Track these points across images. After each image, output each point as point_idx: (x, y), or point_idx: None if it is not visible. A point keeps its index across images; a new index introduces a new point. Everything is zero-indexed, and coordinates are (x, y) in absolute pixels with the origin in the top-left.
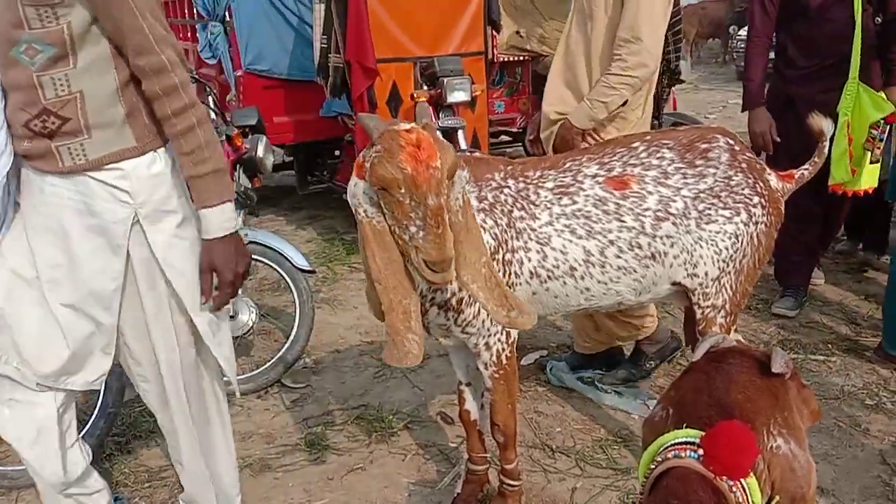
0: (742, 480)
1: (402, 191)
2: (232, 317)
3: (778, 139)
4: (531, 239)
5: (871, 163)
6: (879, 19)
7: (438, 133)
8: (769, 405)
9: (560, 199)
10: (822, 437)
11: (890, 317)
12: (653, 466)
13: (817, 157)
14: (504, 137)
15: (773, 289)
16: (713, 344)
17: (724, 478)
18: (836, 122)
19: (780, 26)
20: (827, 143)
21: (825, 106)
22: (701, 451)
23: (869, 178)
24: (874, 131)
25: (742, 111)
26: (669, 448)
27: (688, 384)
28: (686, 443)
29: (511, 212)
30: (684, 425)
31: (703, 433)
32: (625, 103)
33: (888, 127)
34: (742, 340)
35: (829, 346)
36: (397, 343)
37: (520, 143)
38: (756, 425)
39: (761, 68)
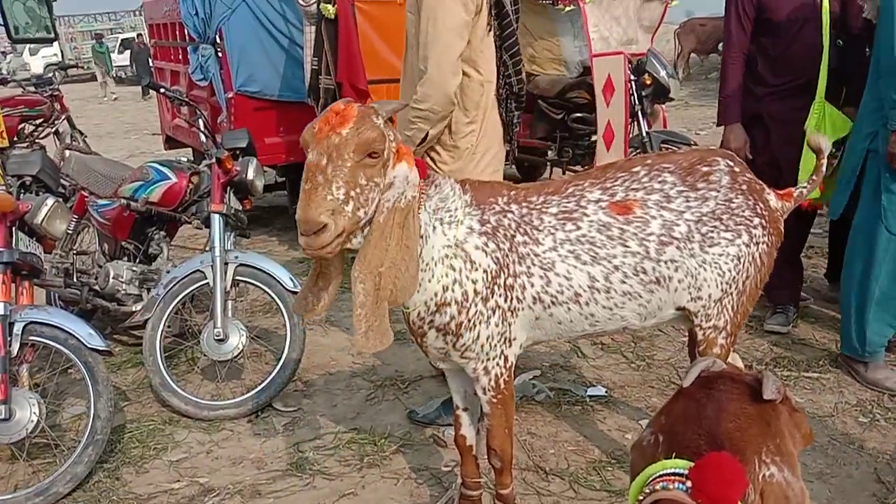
0: None
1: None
2: (222, 340)
3: (750, 156)
4: (534, 264)
5: (828, 177)
6: (841, 42)
7: (379, 120)
8: (761, 433)
9: (564, 224)
10: (816, 456)
11: (843, 320)
12: (641, 498)
13: (815, 176)
14: None
15: (765, 306)
16: (704, 368)
17: None
18: (803, 139)
19: (751, 44)
20: (825, 161)
21: (794, 124)
22: (689, 483)
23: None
24: (834, 149)
25: (717, 126)
26: (658, 479)
27: (678, 411)
28: (675, 474)
29: (514, 237)
30: (673, 455)
31: (692, 464)
32: (426, 136)
33: (843, 146)
34: (739, 361)
35: (822, 362)
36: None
37: (512, 162)
38: (747, 455)
39: (738, 84)
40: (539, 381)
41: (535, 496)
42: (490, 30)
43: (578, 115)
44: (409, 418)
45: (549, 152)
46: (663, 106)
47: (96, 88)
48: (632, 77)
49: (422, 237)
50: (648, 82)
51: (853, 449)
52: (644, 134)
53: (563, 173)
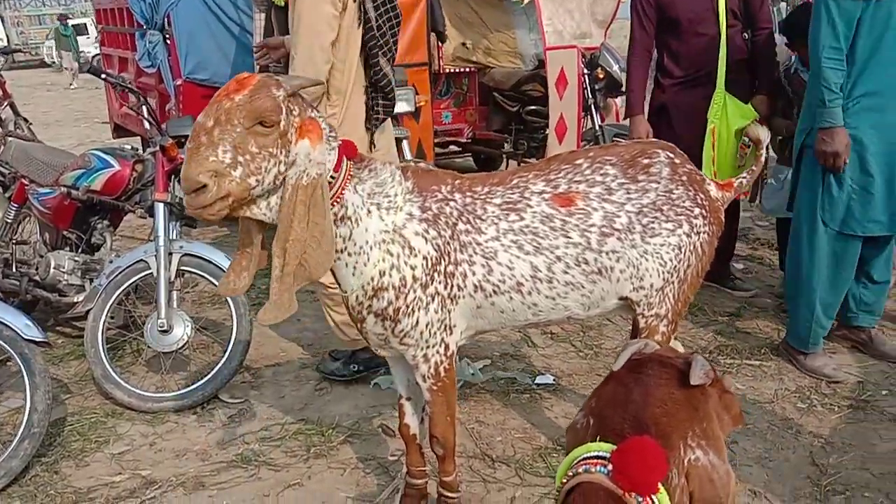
0: (651, 496)
1: None
2: (166, 331)
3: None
4: (476, 253)
5: (738, 165)
6: (748, 35)
7: (279, 91)
8: (688, 417)
9: (508, 214)
10: (755, 441)
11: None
12: (564, 480)
13: (755, 166)
14: (453, 147)
15: (713, 294)
16: (635, 351)
17: (633, 494)
18: (704, 128)
19: (657, 39)
20: (764, 152)
21: (696, 113)
22: (611, 467)
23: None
24: (745, 138)
25: (624, 118)
26: (581, 462)
27: (607, 395)
28: (598, 457)
29: (456, 224)
30: (598, 438)
31: (615, 447)
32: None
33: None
34: (681, 348)
35: (764, 351)
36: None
37: (469, 154)
38: (673, 439)
39: (641, 79)
40: (489, 369)
41: (482, 483)
42: (359, 24)
43: (533, 107)
44: (317, 370)
45: (506, 144)
46: (616, 100)
47: (45, 75)
48: (585, 71)
49: (350, 219)
50: (601, 76)
51: (791, 434)
52: (597, 127)
53: (519, 166)
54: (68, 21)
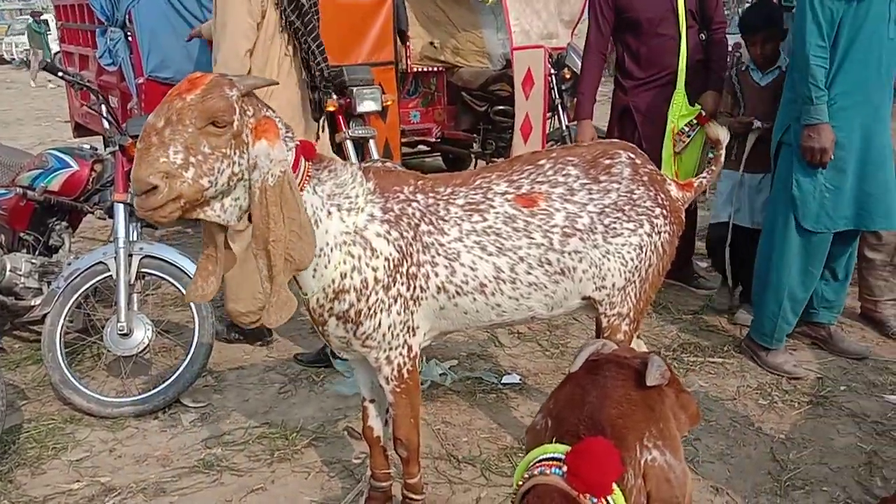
0: (606, 497)
1: None
2: (126, 334)
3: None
4: (439, 254)
5: (675, 153)
6: (704, 36)
7: (233, 91)
8: (644, 418)
9: (471, 215)
10: (717, 438)
11: (756, 305)
12: (521, 482)
13: (714, 166)
14: (422, 147)
15: (677, 293)
16: (593, 352)
17: (587, 495)
18: (664, 129)
19: (617, 40)
20: (723, 152)
21: (658, 115)
22: (566, 468)
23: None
24: (685, 128)
25: (571, 121)
26: (537, 464)
27: (564, 396)
28: (553, 459)
29: (418, 225)
30: (553, 439)
31: (569, 449)
32: None
33: (698, 126)
34: (644, 347)
35: (727, 348)
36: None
37: (438, 153)
38: (629, 440)
39: (593, 83)
40: (455, 370)
41: (447, 484)
42: (283, 29)
43: (501, 107)
44: (295, 359)
45: (474, 144)
46: None
47: (5, 72)
48: (552, 71)
49: (310, 220)
50: (568, 76)
51: (752, 430)
52: (564, 127)
53: (487, 165)
54: (42, 17)
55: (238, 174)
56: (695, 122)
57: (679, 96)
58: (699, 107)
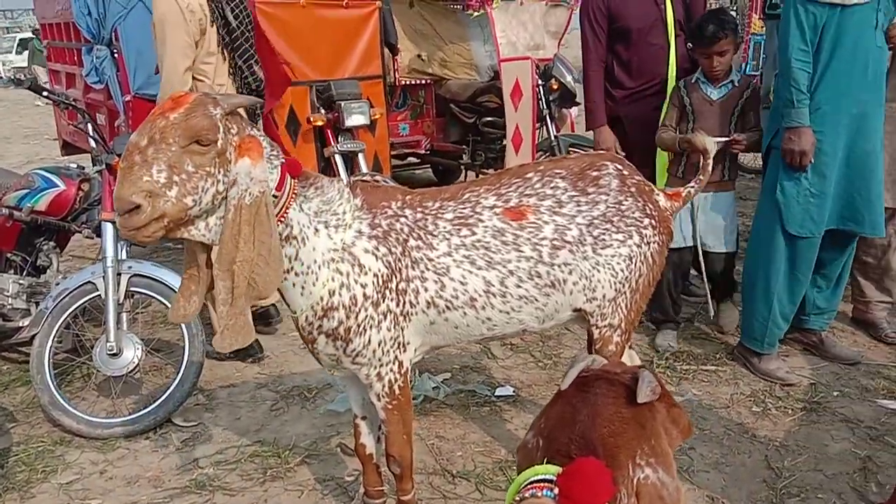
0: None
1: None
2: (115, 354)
3: (623, 153)
4: (428, 269)
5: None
6: (691, 45)
7: (216, 110)
8: (636, 436)
9: (459, 229)
10: (712, 446)
11: (745, 312)
12: None
13: (702, 175)
14: (412, 160)
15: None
16: (583, 368)
17: None
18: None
19: (607, 50)
20: (711, 161)
21: (649, 124)
22: (557, 490)
23: None
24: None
25: (587, 130)
26: (529, 486)
27: (555, 415)
28: (544, 480)
29: (406, 241)
30: (544, 459)
31: (561, 470)
32: None
33: None
34: (636, 357)
35: (720, 355)
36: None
37: (427, 165)
38: (620, 459)
39: (600, 90)
40: (449, 382)
41: (442, 499)
42: (219, 43)
43: (489, 118)
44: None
45: (464, 156)
46: (571, 110)
47: None
48: (539, 82)
49: (297, 238)
50: (555, 87)
51: (746, 438)
52: (552, 138)
53: (477, 176)
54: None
55: (222, 193)
56: None
57: (669, 104)
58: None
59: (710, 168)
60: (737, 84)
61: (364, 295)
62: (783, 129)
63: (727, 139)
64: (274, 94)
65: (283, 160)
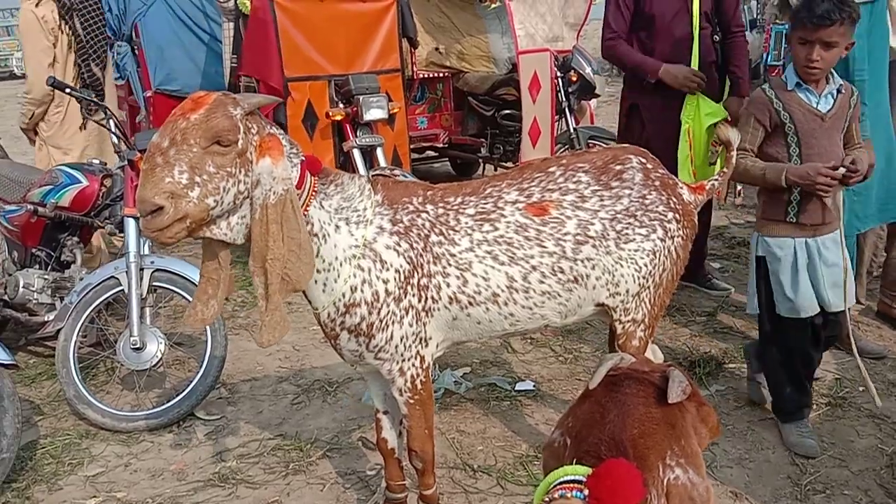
0: None
1: None
2: (139, 348)
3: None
4: (450, 264)
5: (710, 164)
6: (718, 37)
7: (236, 110)
8: (666, 436)
9: (481, 225)
10: (735, 442)
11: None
12: None
13: (727, 168)
14: (430, 153)
15: (690, 294)
16: (611, 367)
17: None
18: (678, 130)
19: (630, 39)
20: (735, 154)
21: (669, 113)
22: (587, 492)
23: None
24: (716, 137)
25: (654, 80)
26: (557, 486)
27: (583, 415)
28: (574, 481)
29: (428, 236)
30: (573, 460)
31: (591, 471)
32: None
33: None
34: (659, 352)
35: (742, 350)
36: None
37: (446, 159)
38: (651, 460)
39: (632, 51)
40: (468, 377)
41: (463, 494)
42: (69, 45)
43: (508, 111)
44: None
45: (482, 149)
46: (590, 102)
47: (17, 86)
48: (558, 74)
49: (317, 236)
50: (574, 79)
51: (770, 434)
52: (571, 130)
53: (496, 169)
54: None
55: (244, 192)
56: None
57: (692, 97)
58: (724, 112)
59: (734, 160)
60: (842, 91)
61: (386, 291)
62: None
63: (845, 169)
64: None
65: (303, 157)
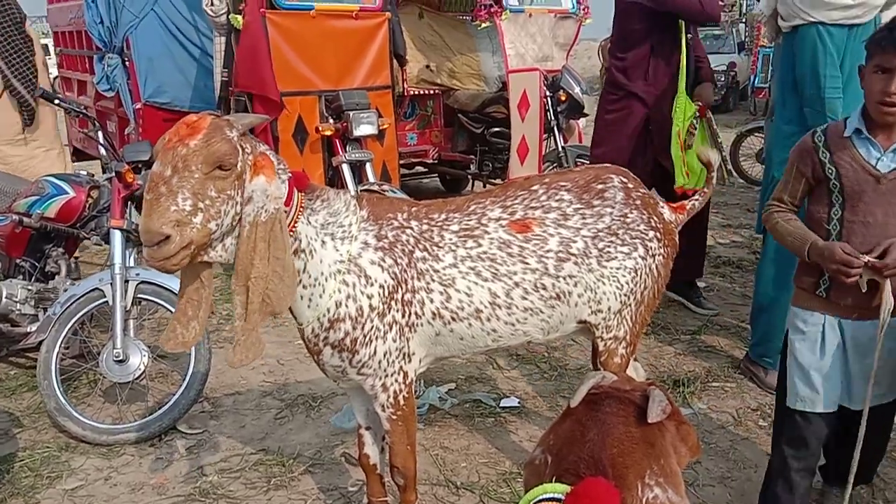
0: None
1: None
2: (122, 361)
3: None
4: (434, 280)
5: (687, 148)
6: (690, 35)
7: (233, 132)
8: (645, 455)
9: (465, 241)
10: (718, 461)
11: (754, 325)
12: None
13: (707, 188)
14: (419, 169)
15: (675, 313)
16: (592, 385)
17: None
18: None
19: (627, 49)
20: (715, 174)
21: (667, 121)
22: None
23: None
24: (691, 128)
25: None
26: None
27: (564, 433)
28: (552, 499)
29: (412, 252)
30: (553, 478)
31: (569, 489)
32: None
33: (700, 119)
34: (641, 370)
35: (727, 370)
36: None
37: (435, 175)
38: (629, 479)
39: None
40: (453, 393)
41: None
42: None
43: (497, 129)
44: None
45: (471, 165)
46: (578, 121)
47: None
48: (547, 93)
49: (304, 251)
50: (563, 98)
51: (753, 452)
52: (559, 149)
53: (484, 186)
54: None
55: (239, 213)
56: (697, 115)
57: (681, 98)
58: (697, 104)
59: (714, 180)
60: None
61: (370, 306)
62: None
63: (873, 260)
64: (267, 109)
65: (290, 174)
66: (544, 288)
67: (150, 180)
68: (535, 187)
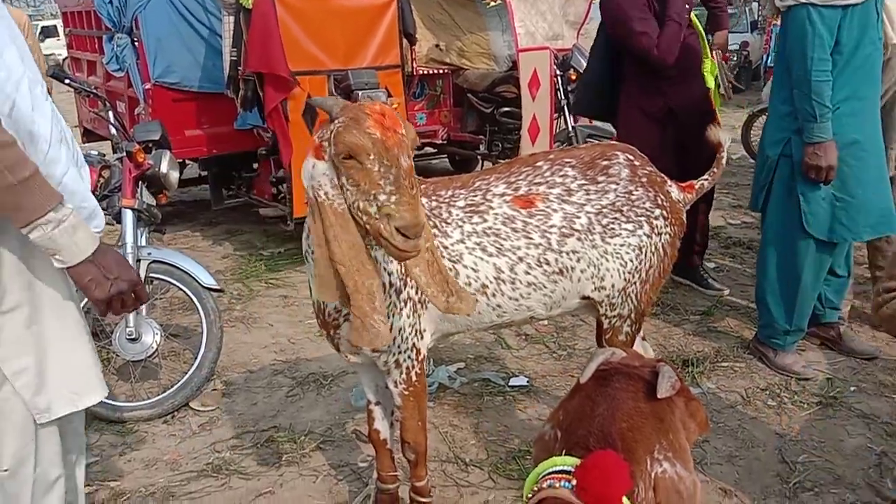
0: None
1: (371, 157)
2: (134, 339)
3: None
4: (443, 256)
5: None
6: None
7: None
8: (654, 430)
9: (471, 217)
10: (726, 439)
11: (760, 308)
12: (530, 495)
13: (716, 168)
14: (428, 149)
15: (685, 293)
16: (602, 361)
17: None
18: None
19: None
20: (725, 155)
21: (698, 104)
22: (575, 482)
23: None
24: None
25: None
26: (547, 476)
27: (573, 408)
28: (562, 472)
29: None
30: (563, 451)
31: (579, 462)
32: None
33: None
34: (650, 349)
35: (736, 349)
36: (366, 325)
37: (444, 155)
38: (638, 453)
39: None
40: (462, 372)
41: (454, 487)
42: None
43: (507, 109)
44: None
45: (481, 146)
46: None
47: None
48: (557, 72)
49: None
50: (574, 77)
51: (761, 431)
52: (570, 128)
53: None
54: None
55: None
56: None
57: (707, 61)
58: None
59: (723, 160)
60: None
61: (389, 283)
62: (805, 143)
63: None
64: (278, 88)
65: None
66: (547, 263)
67: (401, 174)
68: (539, 163)
